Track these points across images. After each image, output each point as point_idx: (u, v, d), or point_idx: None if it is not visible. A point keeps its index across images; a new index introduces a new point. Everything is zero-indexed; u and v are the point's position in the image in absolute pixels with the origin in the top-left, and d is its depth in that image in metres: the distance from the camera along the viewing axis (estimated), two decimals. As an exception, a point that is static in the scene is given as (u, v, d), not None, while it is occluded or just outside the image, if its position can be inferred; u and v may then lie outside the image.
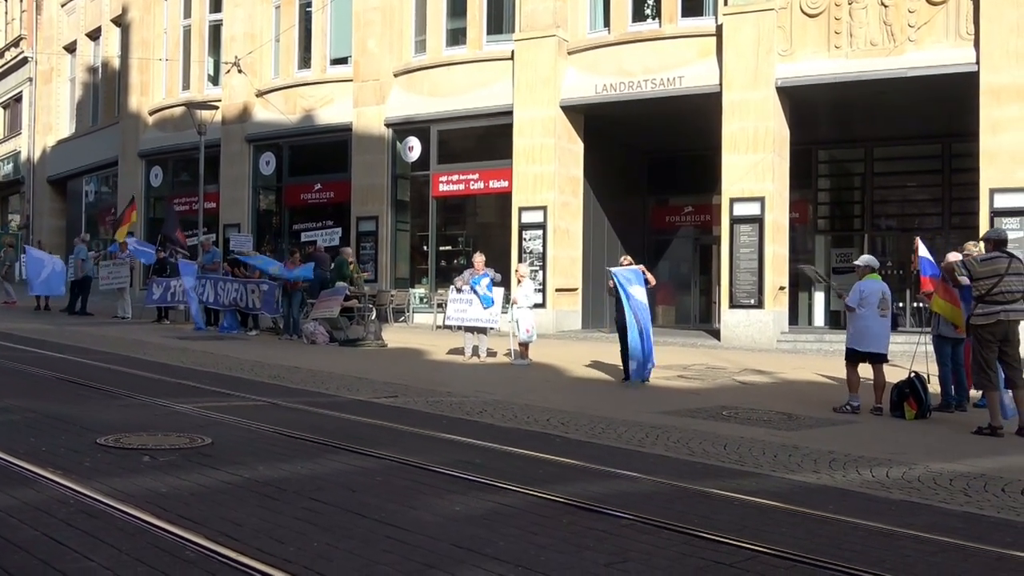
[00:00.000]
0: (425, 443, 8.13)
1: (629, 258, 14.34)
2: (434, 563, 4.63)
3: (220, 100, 26.95)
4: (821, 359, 17.80)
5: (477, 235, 25.17)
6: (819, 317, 25.43)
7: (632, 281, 13.30)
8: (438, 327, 22.63)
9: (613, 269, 13.51)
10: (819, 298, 25.56)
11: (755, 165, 20.21)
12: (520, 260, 22.38)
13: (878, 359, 10.99)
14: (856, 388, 10.86)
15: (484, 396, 11.44)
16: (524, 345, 15.42)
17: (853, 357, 11.08)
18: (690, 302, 27.32)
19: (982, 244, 10.28)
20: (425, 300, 24.62)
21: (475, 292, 15.52)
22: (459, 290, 15.68)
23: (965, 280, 9.50)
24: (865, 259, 11.58)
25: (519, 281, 15.89)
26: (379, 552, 4.79)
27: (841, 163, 26.32)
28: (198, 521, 5.18)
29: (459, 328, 16.15)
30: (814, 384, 13.59)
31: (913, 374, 10.63)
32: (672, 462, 7.69)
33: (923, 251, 12.16)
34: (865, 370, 11.07)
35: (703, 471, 7.35)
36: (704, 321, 26.89)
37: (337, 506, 5.69)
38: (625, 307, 13.10)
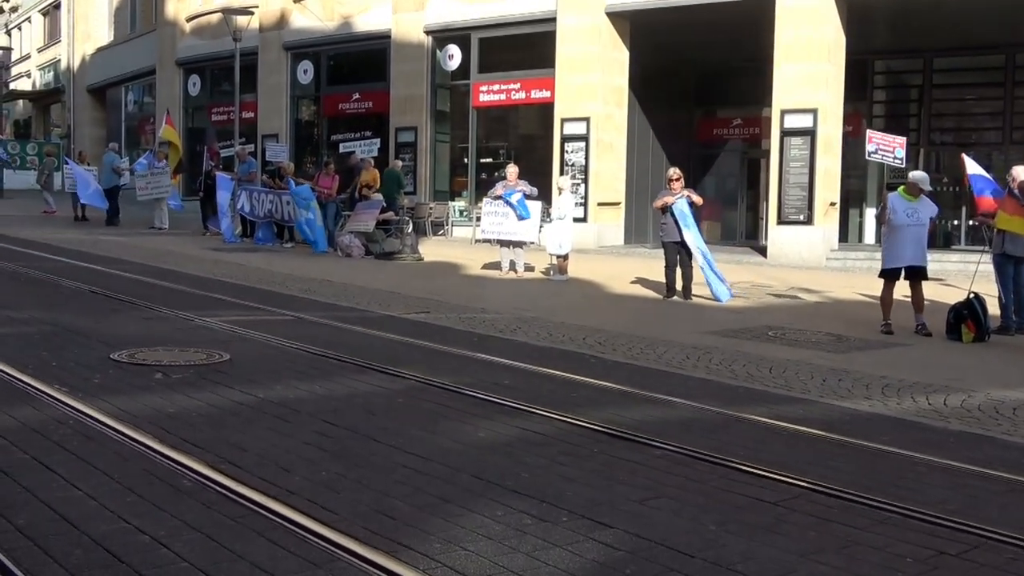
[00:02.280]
0: (453, 362, 7.75)
1: (677, 170, 13.61)
2: (450, 497, 4.26)
3: (257, 6, 26.22)
4: (871, 278, 16.98)
5: (518, 147, 24.53)
6: (869, 235, 24.61)
7: (687, 214, 12.78)
8: (476, 241, 22.12)
9: (673, 206, 12.80)
10: (870, 214, 24.71)
11: (809, 75, 19.30)
12: (562, 173, 21.80)
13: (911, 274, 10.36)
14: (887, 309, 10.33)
15: (519, 313, 11.03)
16: (562, 259, 14.93)
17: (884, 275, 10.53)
18: (736, 218, 26.59)
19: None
20: (464, 213, 24.13)
21: (509, 204, 15.00)
22: (495, 199, 15.12)
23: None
24: (912, 176, 10.91)
25: (559, 193, 15.32)
26: (392, 483, 4.43)
27: (897, 74, 25.22)
28: (201, 446, 4.85)
29: (495, 242, 15.65)
30: (864, 304, 13.00)
31: (972, 295, 10.03)
32: (714, 386, 7.25)
33: (972, 168, 11.47)
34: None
35: (746, 396, 6.90)
36: (750, 237, 26.18)
37: (352, 430, 5.33)
38: (691, 236, 12.65)
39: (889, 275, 10.37)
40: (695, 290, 12.82)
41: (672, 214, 12.80)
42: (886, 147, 14.07)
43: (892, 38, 23.18)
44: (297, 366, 7.19)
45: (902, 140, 13.66)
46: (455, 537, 3.76)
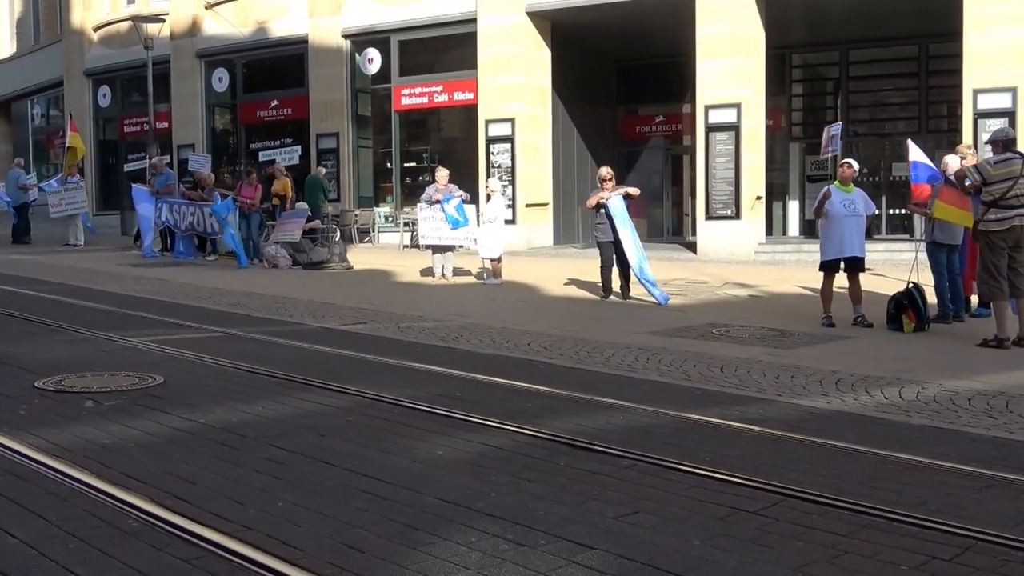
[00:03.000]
0: (398, 375, 7.48)
1: (609, 170, 13.45)
2: (417, 523, 4.01)
3: (167, 13, 25.53)
4: (801, 270, 17.22)
5: (441, 150, 24.24)
6: (793, 226, 24.89)
7: (622, 212, 12.62)
8: (405, 247, 21.87)
9: (608, 203, 12.62)
10: (793, 207, 25.00)
11: (731, 70, 19.41)
12: (488, 175, 21.60)
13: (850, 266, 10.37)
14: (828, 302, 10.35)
15: (458, 319, 10.79)
16: (495, 262, 14.73)
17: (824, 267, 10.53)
18: (662, 214, 26.67)
19: (989, 147, 9.64)
20: (390, 219, 23.78)
21: (444, 210, 14.72)
22: (432, 204, 14.79)
23: (978, 183, 8.85)
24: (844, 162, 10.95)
25: (488, 196, 15.11)
26: (353, 511, 4.16)
27: (815, 67, 25.51)
28: (144, 480, 4.52)
29: (427, 247, 15.34)
30: (800, 297, 13.04)
31: (911, 284, 10.07)
32: (669, 388, 7.10)
33: (916, 154, 11.53)
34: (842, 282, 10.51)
35: (703, 398, 6.76)
36: (676, 234, 26.31)
37: (304, 454, 5.04)
38: (628, 235, 12.48)
39: (829, 267, 10.36)
40: (632, 289, 12.69)
41: (607, 213, 12.63)
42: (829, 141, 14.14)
43: (808, 31, 23.43)
44: (235, 386, 6.85)
45: (837, 127, 13.70)
46: (431, 570, 3.51)
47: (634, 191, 13.12)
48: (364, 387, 6.71)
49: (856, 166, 11.13)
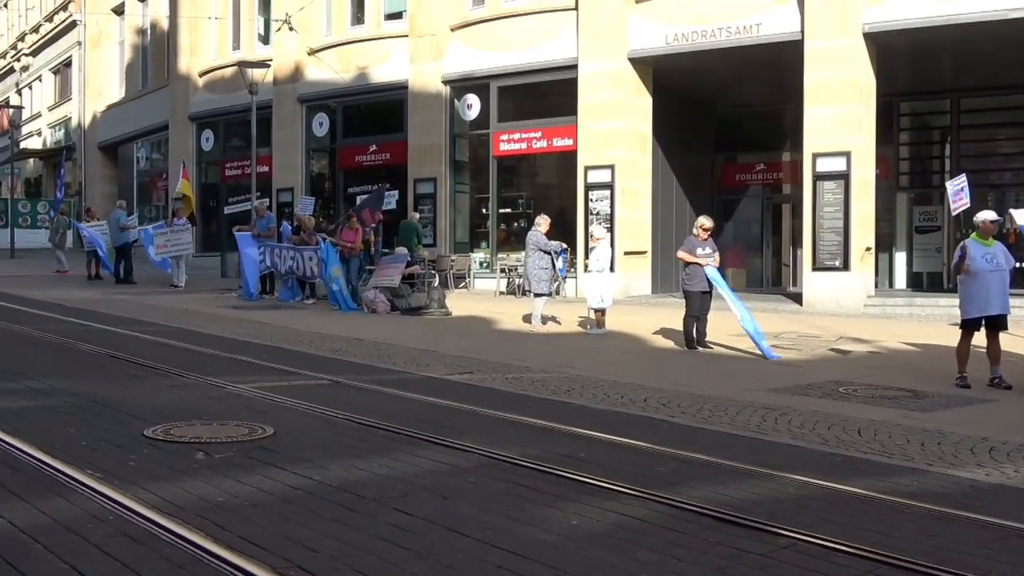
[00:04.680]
0: (515, 431, 7.10)
1: (709, 220, 13.14)
2: (565, 608, 3.60)
3: (271, 59, 25.95)
4: (917, 325, 16.55)
5: (537, 196, 24.02)
6: (900, 279, 24.00)
7: (719, 276, 12.61)
8: (501, 293, 21.62)
9: (707, 271, 12.46)
10: (900, 259, 24.12)
11: (841, 118, 18.81)
12: (587, 222, 21.28)
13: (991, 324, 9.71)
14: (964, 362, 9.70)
15: (565, 371, 10.40)
16: (600, 313, 14.33)
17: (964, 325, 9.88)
18: (761, 264, 26.00)
19: None
20: (486, 265, 23.58)
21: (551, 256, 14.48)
22: (544, 252, 14.57)
23: None
24: (982, 216, 10.28)
25: (595, 243, 14.74)
26: (492, 590, 3.78)
27: (924, 115, 24.73)
28: (263, 545, 4.20)
29: (536, 295, 14.88)
30: (923, 354, 12.35)
31: (1055, 345, 9.39)
32: (807, 454, 6.59)
33: (1022, 218, 10.90)
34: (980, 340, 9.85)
35: (847, 466, 6.24)
36: (775, 284, 25.62)
37: (429, 520, 4.68)
38: (729, 294, 12.47)
39: (970, 325, 9.72)
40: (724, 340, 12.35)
41: (706, 275, 12.50)
42: (958, 194, 13.51)
43: (918, 79, 22.72)
44: (348, 440, 6.55)
45: (962, 179, 13.06)
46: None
47: (716, 262, 12.76)
48: (481, 444, 6.35)
49: (986, 215, 10.45)
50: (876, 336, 14.11)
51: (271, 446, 6.23)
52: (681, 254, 12.73)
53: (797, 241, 25.81)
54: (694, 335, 12.56)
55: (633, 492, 5.23)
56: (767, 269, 26.11)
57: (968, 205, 12.58)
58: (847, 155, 18.91)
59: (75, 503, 4.75)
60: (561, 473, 5.65)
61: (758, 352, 11.98)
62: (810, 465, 6.15)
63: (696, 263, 12.45)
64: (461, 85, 23.56)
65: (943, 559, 4.28)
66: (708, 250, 12.73)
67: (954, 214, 16.08)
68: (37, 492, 4.91)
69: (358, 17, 25.60)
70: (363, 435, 6.73)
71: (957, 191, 12.83)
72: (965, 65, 21.06)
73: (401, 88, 24.29)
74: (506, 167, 24.04)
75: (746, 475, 5.82)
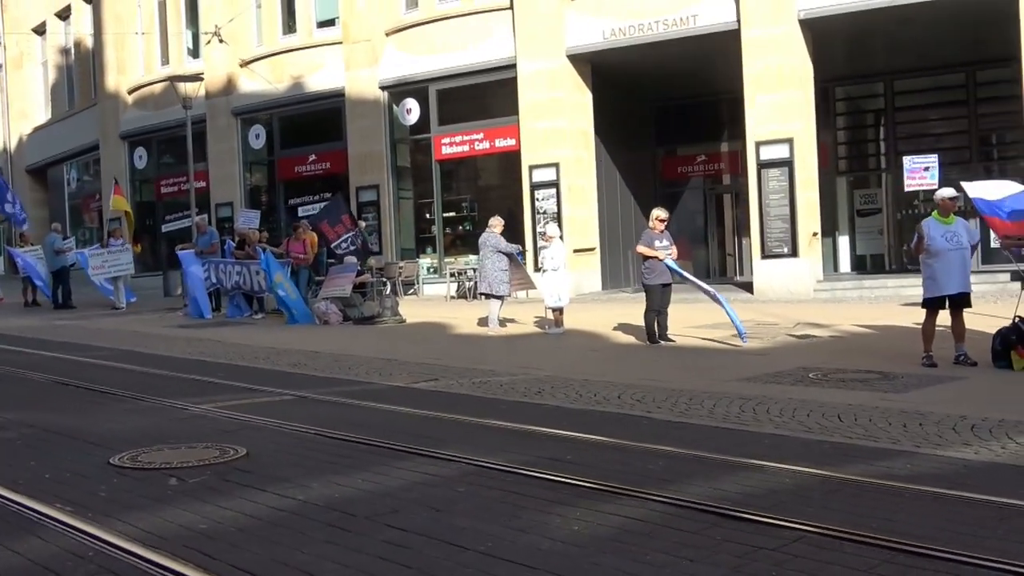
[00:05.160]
0: (494, 436, 6.94)
1: (665, 211, 13.21)
2: (586, 619, 3.45)
3: (202, 73, 25.42)
4: (868, 307, 16.71)
5: (481, 198, 23.86)
6: (845, 263, 24.23)
7: (678, 268, 12.86)
8: (452, 297, 21.43)
9: (667, 262, 12.61)
10: (843, 243, 24.36)
11: (781, 105, 18.93)
12: (535, 222, 21.19)
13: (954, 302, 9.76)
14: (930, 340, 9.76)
15: (532, 373, 10.25)
16: (558, 312, 14.22)
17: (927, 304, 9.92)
18: (707, 255, 26.12)
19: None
20: (434, 270, 23.36)
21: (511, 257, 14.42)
22: (501, 253, 14.47)
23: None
24: (940, 194, 10.30)
25: (548, 242, 14.63)
26: (507, 605, 3.61)
27: (859, 99, 24.99)
28: (258, 574, 3.98)
29: (490, 296, 14.71)
30: (883, 335, 12.43)
31: (1018, 318, 9.46)
32: (792, 442, 6.52)
33: (973, 191, 10.96)
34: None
35: (836, 452, 6.18)
36: (721, 274, 25.77)
37: (426, 535, 4.49)
38: (697, 283, 12.91)
39: (933, 304, 9.75)
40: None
41: (677, 273, 12.65)
42: (915, 171, 13.65)
43: (852, 64, 22.97)
44: (324, 456, 6.33)
45: (932, 159, 13.16)
46: None
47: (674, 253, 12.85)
48: (464, 452, 6.17)
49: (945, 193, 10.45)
50: (832, 320, 14.18)
51: (246, 467, 5.99)
52: (641, 248, 12.67)
53: (741, 231, 26.04)
54: (655, 329, 12.51)
55: (629, 493, 5.10)
56: (713, 259, 26.25)
57: (935, 186, 12.62)
58: (790, 142, 19.05)
59: (49, 540, 4.48)
60: (552, 477, 5.50)
61: (721, 343, 12.00)
62: (799, 454, 6.08)
63: (656, 256, 12.42)
64: (399, 90, 23.31)
65: (951, 541, 4.21)
66: (665, 242, 12.72)
67: (907, 190, 16.20)
68: (6, 531, 4.63)
69: (289, 26, 25.17)
70: (340, 450, 6.52)
71: (916, 169, 12.88)
72: (897, 47, 21.31)
73: (338, 96, 23.96)
74: (449, 170, 23.84)
75: (738, 468, 5.72)
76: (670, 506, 4.87)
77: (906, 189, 16.56)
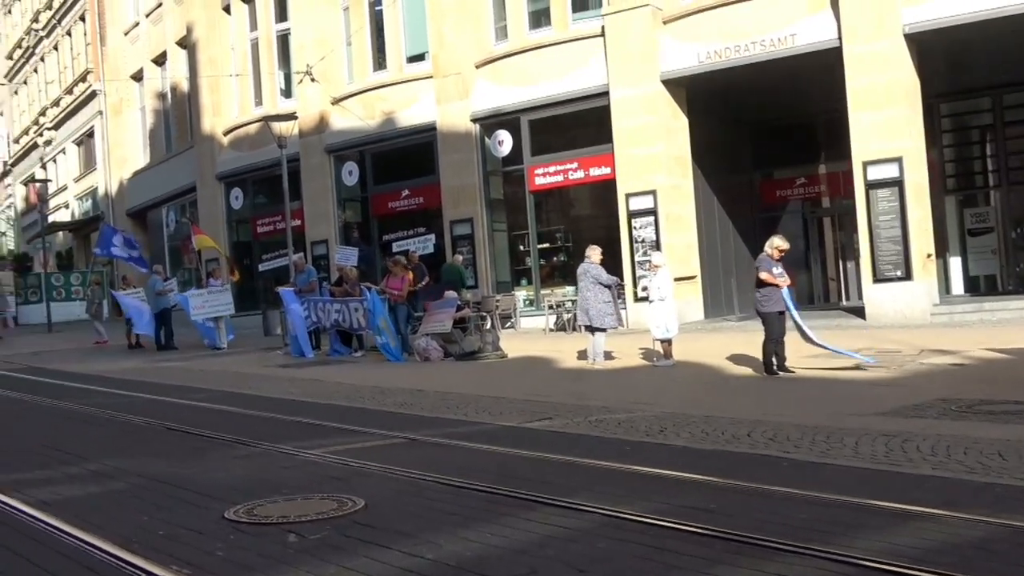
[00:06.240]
0: (625, 482, 6.47)
1: (785, 241, 12.69)
2: None
3: (295, 112, 25.62)
4: (993, 330, 15.79)
5: (575, 228, 23.47)
6: (957, 284, 23.18)
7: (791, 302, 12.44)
8: (550, 330, 21.03)
9: (784, 294, 12.30)
10: (955, 263, 23.32)
11: (888, 122, 18.18)
12: (633, 251, 20.72)
13: None
14: None
15: (649, 409, 9.76)
16: (667, 343, 13.70)
17: None
18: (810, 280, 25.28)
19: None
20: (530, 302, 23.00)
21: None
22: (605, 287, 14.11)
23: None
24: None
25: (654, 272, 14.15)
26: None
27: (965, 115, 24.02)
28: (398, 650, 3.59)
29: (595, 330, 14.28)
30: (1017, 361, 11.63)
31: None
32: (957, 485, 5.92)
33: None
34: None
35: (1011, 496, 5.56)
36: (826, 300, 24.94)
37: (575, 602, 4.06)
38: (796, 319, 12.26)
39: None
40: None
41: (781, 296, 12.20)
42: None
43: (958, 79, 22.04)
44: (446, 506, 5.94)
45: None
46: None
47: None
48: (595, 501, 5.72)
49: None
50: (958, 346, 13.39)
51: (365, 520, 5.63)
52: (764, 275, 12.12)
53: (845, 254, 25.18)
54: (773, 360, 11.96)
55: (794, 549, 4.58)
56: (816, 285, 25.43)
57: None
58: (899, 160, 18.27)
59: (169, 610, 4.16)
60: (699, 531, 5.01)
61: (844, 372, 11.38)
62: (969, 500, 5.48)
63: (776, 284, 11.92)
64: (491, 122, 23.13)
65: None
66: (781, 270, 12.22)
67: None
68: (123, 599, 4.33)
69: (380, 62, 25.24)
70: (460, 500, 6.12)
71: None
72: (1004, 61, 20.38)
73: (429, 130, 23.89)
74: (542, 201, 23.54)
75: (907, 517, 5.16)
76: (842, 564, 4.34)
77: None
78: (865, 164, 18.56)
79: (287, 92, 27.71)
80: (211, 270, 22.98)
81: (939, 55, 19.43)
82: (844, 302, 24.19)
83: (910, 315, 17.99)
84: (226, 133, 29.38)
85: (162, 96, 35.20)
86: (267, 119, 22.28)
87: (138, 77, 36.44)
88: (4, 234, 55.35)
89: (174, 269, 32.69)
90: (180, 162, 32.46)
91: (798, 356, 12.51)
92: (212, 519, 5.83)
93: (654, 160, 20.57)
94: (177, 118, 33.78)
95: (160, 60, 34.50)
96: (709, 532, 4.96)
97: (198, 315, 21.25)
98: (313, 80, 25.49)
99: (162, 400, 12.55)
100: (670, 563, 4.54)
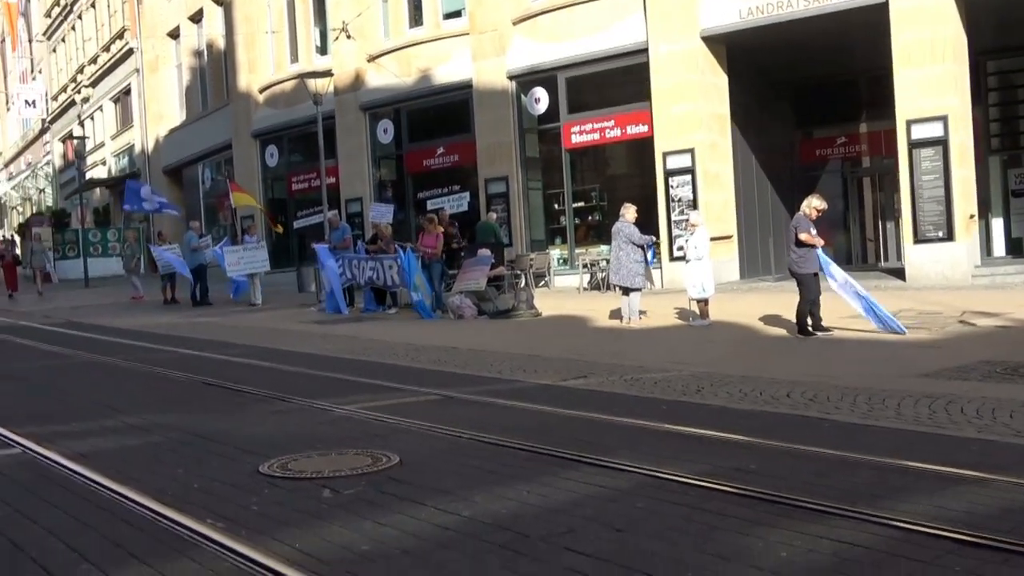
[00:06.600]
0: (664, 442, 6.38)
1: (824, 202, 12.46)
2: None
3: (331, 69, 25.44)
4: (1038, 293, 15.48)
5: (611, 187, 23.22)
6: (999, 246, 22.75)
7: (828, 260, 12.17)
8: (584, 289, 20.91)
9: (820, 253, 12.00)
10: (997, 225, 22.87)
11: (934, 80, 17.76)
12: (669, 209, 20.50)
13: None
14: None
15: (686, 368, 9.65)
16: (703, 303, 13.56)
17: None
18: (848, 241, 24.94)
19: None
20: (564, 261, 22.86)
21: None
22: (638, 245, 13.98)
23: None
24: None
25: (692, 231, 13.97)
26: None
27: (1011, 74, 23.40)
28: (434, 608, 3.54)
29: (630, 290, 14.16)
30: (1065, 324, 11.41)
31: None
32: (1006, 449, 5.78)
33: None
34: None
35: (1061, 461, 5.43)
36: (864, 261, 24.58)
37: (614, 562, 3.98)
38: (833, 277, 11.97)
39: None
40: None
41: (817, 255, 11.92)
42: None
43: (1004, 35, 21.44)
44: (483, 464, 5.88)
45: None
46: None
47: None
48: (635, 461, 5.64)
49: None
50: (1002, 308, 13.14)
51: (401, 476, 5.58)
52: (804, 235, 11.91)
53: (885, 215, 24.79)
54: (808, 320, 11.79)
55: (838, 512, 4.47)
56: (855, 245, 25.08)
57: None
58: (944, 119, 17.86)
59: (205, 564, 4.12)
60: (741, 492, 4.91)
61: (882, 334, 11.21)
62: (1019, 463, 5.35)
63: (814, 244, 11.72)
64: (527, 79, 22.88)
65: None
66: (815, 231, 12.04)
67: None
68: (159, 552, 4.30)
69: (416, 19, 25.02)
70: (497, 457, 6.06)
71: None
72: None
73: (465, 87, 23.69)
74: (578, 159, 23.32)
75: (956, 481, 5.03)
76: (891, 528, 4.23)
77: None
78: (909, 123, 18.16)
79: (323, 49, 27.57)
80: (247, 227, 23.01)
81: (987, 10, 18.91)
82: (883, 263, 23.85)
83: (951, 276, 17.69)
84: (262, 90, 29.31)
85: (198, 54, 35.17)
86: (303, 76, 22.14)
87: (174, 35, 36.41)
88: (43, 190, 55.78)
89: (209, 226, 32.87)
90: (216, 119, 32.48)
91: (837, 316, 12.31)
92: (247, 473, 5.81)
93: (692, 118, 20.26)
94: (213, 75, 33.77)
95: (196, 17, 34.43)
96: (749, 493, 4.87)
97: (234, 271, 21.32)
98: (349, 37, 25.30)
99: (199, 355, 12.59)
100: (710, 524, 4.46)
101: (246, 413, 8.09)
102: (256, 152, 29.85)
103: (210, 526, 4.63)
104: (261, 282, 21.67)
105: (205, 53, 34.49)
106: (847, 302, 11.95)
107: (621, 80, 21.86)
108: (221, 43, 32.27)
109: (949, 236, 17.96)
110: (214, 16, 32.84)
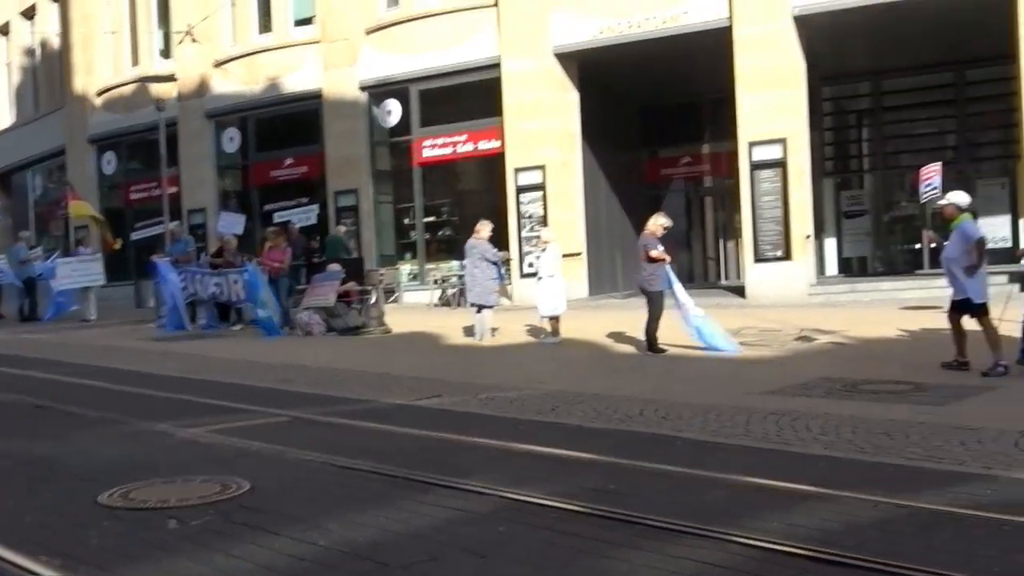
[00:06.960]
0: (521, 463, 6.34)
1: (670, 220, 12.76)
2: None
3: (174, 74, 24.64)
4: (867, 311, 16.23)
5: (462, 203, 23.22)
6: (831, 265, 23.83)
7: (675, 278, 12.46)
8: (434, 305, 20.80)
9: (668, 270, 12.28)
10: (830, 244, 23.94)
11: (774, 104, 18.46)
12: (520, 226, 20.62)
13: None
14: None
15: (539, 387, 9.65)
16: (555, 320, 13.65)
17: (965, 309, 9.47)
18: (690, 259, 25.62)
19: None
20: (414, 277, 22.70)
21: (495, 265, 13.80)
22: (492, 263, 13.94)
23: None
24: (957, 197, 9.87)
25: (543, 247, 14.06)
26: None
27: (845, 100, 24.62)
28: (291, 648, 3.37)
29: (481, 307, 14.13)
30: (896, 342, 11.96)
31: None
32: (851, 465, 5.96)
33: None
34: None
35: (901, 476, 5.64)
36: (705, 279, 25.33)
37: (477, 591, 3.90)
38: (677, 294, 12.17)
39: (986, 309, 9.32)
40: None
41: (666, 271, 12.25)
42: (927, 181, 13.33)
43: (840, 63, 22.55)
44: (337, 489, 5.70)
45: (936, 167, 12.81)
46: None
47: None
48: (493, 483, 5.56)
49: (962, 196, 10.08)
50: (837, 326, 13.67)
51: (252, 504, 5.35)
52: (655, 252, 12.13)
53: (725, 234, 25.62)
54: (658, 338, 12.02)
55: (695, 531, 4.51)
56: (696, 264, 25.79)
57: (938, 193, 12.23)
58: (783, 142, 18.59)
59: (38, 606, 3.83)
60: (600, 513, 4.90)
61: (744, 353, 11.54)
62: (863, 479, 5.51)
63: (663, 260, 11.96)
64: (379, 91, 22.65)
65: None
66: (662, 248, 12.33)
67: (922, 201, 15.56)
68: (-15, 594, 3.99)
69: (265, 25, 24.39)
70: (352, 481, 5.89)
71: (926, 177, 12.55)
72: (886, 46, 20.95)
73: (315, 97, 23.26)
74: (430, 174, 23.21)
75: (804, 498, 5.16)
76: (747, 547, 4.28)
77: (921, 200, 15.75)
78: (750, 144, 18.82)
79: (166, 52, 26.59)
80: (80, 238, 21.95)
81: (821, 39, 19.80)
82: (724, 281, 24.62)
83: (788, 295, 18.35)
84: (99, 94, 28.05)
85: (30, 52, 33.38)
86: (144, 80, 21.33)
87: (4, 31, 34.43)
88: None
89: (40, 237, 31.22)
90: (48, 123, 30.86)
91: (678, 334, 12.55)
92: (85, 503, 5.46)
93: (543, 135, 20.46)
94: (46, 76, 32.09)
95: (29, 13, 32.67)
96: (609, 515, 4.86)
97: (65, 284, 20.27)
98: (194, 41, 24.48)
99: (27, 375, 11.91)
100: (573, 547, 4.42)
101: (80, 438, 7.63)
102: (92, 158, 28.52)
103: (44, 563, 4.33)
104: (96, 296, 20.70)
105: (38, 52, 32.78)
106: (680, 325, 12.19)
107: (474, 95, 21.88)
108: (56, 41, 30.72)
109: (787, 255, 18.66)
110: (48, 13, 31.26)
